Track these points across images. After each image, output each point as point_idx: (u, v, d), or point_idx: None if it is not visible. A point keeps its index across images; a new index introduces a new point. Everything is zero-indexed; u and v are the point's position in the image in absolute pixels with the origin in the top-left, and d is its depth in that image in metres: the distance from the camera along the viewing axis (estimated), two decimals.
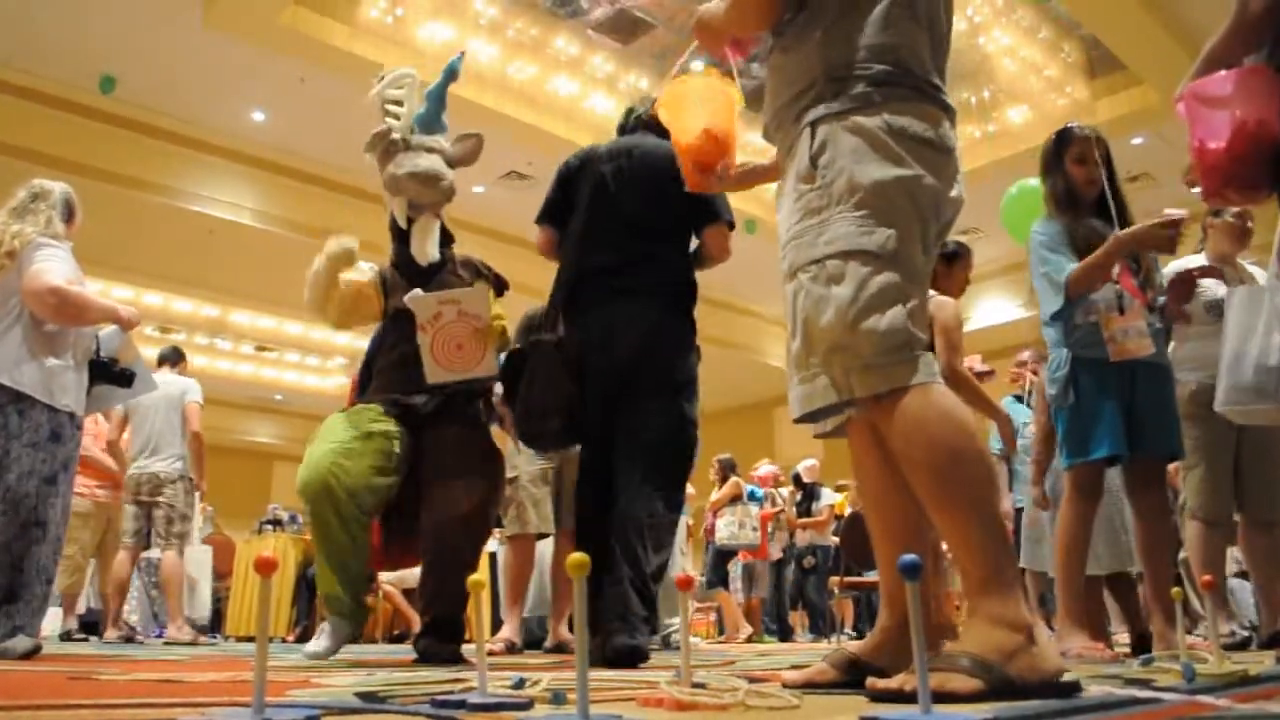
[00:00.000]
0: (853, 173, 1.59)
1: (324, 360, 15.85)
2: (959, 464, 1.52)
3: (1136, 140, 9.19)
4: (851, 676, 1.66)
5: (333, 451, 3.09)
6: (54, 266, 3.28)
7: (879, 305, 1.54)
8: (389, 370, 3.38)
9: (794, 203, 1.67)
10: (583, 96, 9.38)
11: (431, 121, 3.45)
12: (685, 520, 6.21)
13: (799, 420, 1.67)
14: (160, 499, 6.07)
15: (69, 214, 3.52)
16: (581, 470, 3.17)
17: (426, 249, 3.39)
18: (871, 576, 7.59)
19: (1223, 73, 1.89)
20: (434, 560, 3.23)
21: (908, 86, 1.64)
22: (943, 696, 1.31)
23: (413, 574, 8.20)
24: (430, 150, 3.38)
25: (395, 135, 3.36)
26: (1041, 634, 1.47)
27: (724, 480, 8.25)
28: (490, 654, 4.10)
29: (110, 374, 3.55)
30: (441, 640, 3.14)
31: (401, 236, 3.44)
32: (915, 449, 1.54)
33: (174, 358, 6.56)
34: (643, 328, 3.03)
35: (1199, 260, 3.97)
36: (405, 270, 3.43)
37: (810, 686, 1.64)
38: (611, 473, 3.00)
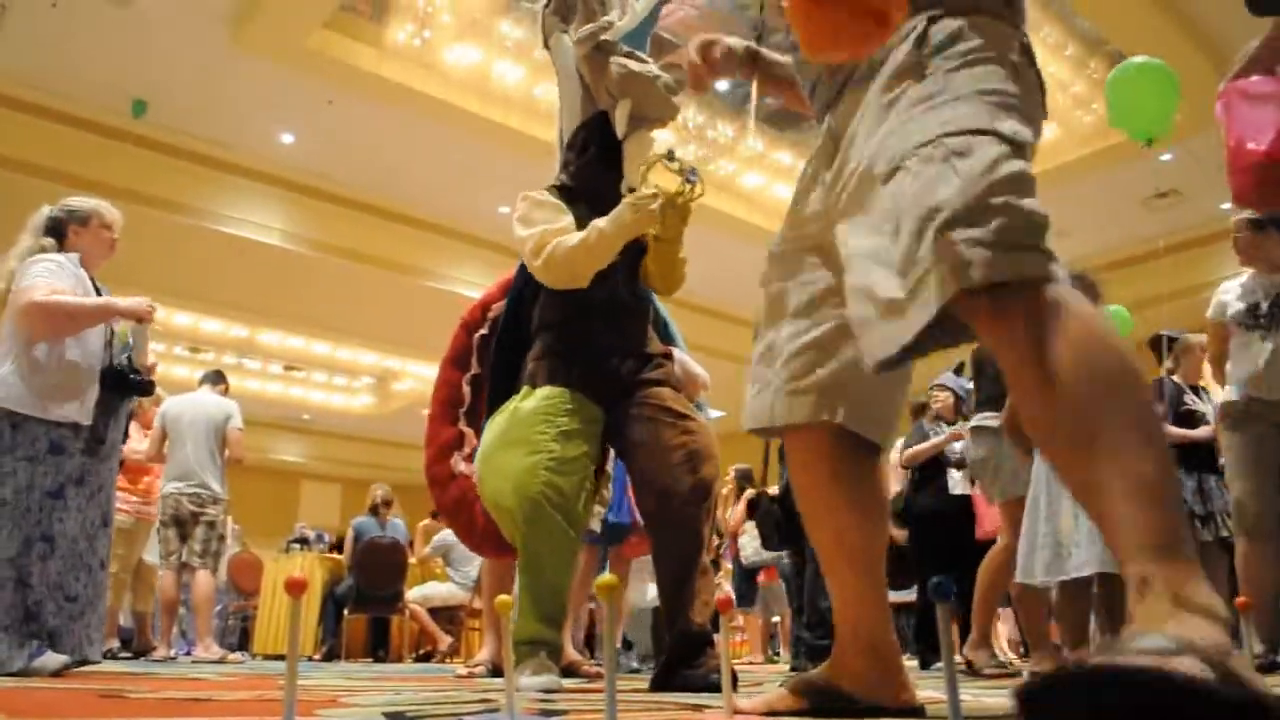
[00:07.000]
0: (977, 68, 1.34)
1: (351, 380, 15.94)
2: (1117, 382, 1.12)
3: (1165, 157, 9.11)
4: (815, 704, 1.53)
5: (540, 467, 2.61)
6: (36, 283, 3.26)
7: (1016, 188, 1.20)
8: (583, 334, 2.83)
9: (885, 106, 1.38)
10: None
11: (639, 44, 3.03)
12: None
13: (883, 366, 1.28)
14: (202, 519, 6.13)
15: (53, 228, 3.49)
16: None
17: (640, 170, 2.87)
18: (898, 597, 7.50)
19: (1266, 76, 1.87)
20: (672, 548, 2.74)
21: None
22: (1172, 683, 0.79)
23: (439, 592, 8.25)
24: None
25: (608, 37, 2.90)
26: None
27: (740, 493, 7.54)
28: (470, 676, 3.99)
29: (127, 384, 3.47)
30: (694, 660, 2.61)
31: (598, 151, 2.93)
32: (1052, 363, 1.13)
33: (215, 379, 6.66)
34: None
35: (1243, 279, 3.91)
36: (588, 192, 2.90)
37: (771, 714, 1.50)
38: None
